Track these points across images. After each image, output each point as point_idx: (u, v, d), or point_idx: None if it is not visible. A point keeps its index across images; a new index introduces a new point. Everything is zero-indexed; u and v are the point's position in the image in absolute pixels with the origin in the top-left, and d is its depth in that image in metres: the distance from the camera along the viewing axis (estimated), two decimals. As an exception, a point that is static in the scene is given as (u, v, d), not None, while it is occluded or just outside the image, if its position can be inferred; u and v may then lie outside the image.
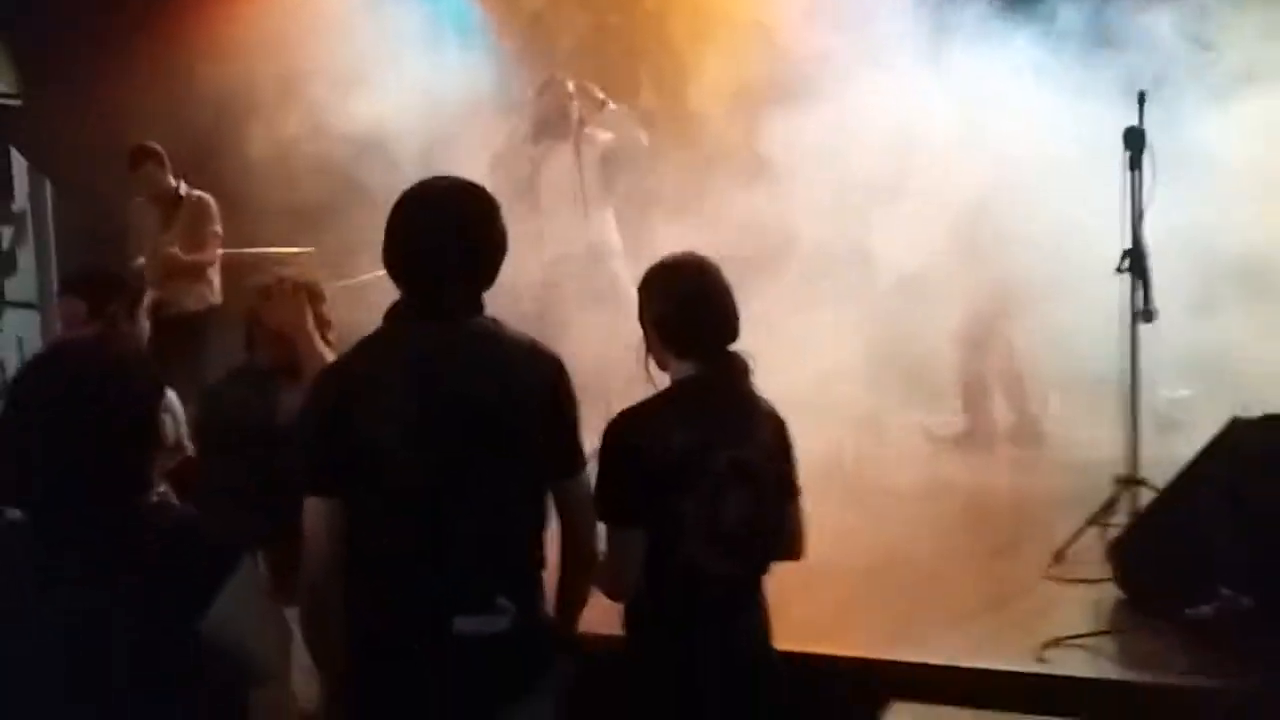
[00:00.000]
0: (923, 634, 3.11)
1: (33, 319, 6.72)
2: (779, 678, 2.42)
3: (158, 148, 5.74)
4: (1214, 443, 2.83)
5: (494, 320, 2.13)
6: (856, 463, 5.59)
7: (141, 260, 5.55)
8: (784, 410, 2.45)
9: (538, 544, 2.13)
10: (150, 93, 6.03)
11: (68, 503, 1.79)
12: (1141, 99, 3.74)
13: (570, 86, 5.15)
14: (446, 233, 2.05)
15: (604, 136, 5.14)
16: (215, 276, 5.72)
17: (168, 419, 2.83)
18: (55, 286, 6.66)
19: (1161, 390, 5.88)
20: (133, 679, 1.77)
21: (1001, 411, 5.61)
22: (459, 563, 1.99)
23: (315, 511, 2.02)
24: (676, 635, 2.31)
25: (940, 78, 5.68)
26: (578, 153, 5.06)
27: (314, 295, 2.88)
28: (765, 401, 2.46)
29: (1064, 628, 3.03)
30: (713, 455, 2.28)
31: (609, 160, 5.12)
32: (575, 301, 4.86)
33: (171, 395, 2.96)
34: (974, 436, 5.49)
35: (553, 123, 5.12)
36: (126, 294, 3.10)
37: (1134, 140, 3.71)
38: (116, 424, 1.81)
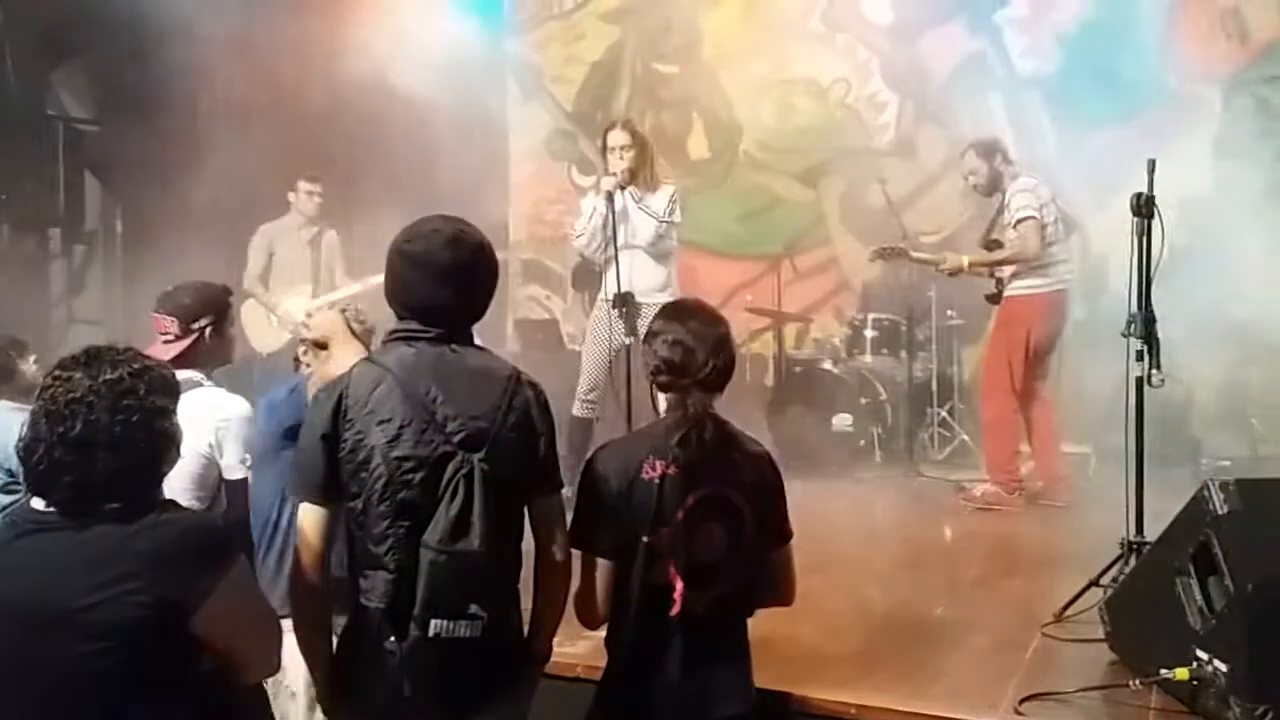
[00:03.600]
0: (905, 680, 3.16)
1: (98, 336, 7.03)
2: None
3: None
4: (1188, 507, 2.85)
5: (482, 349, 2.33)
6: (883, 513, 5.68)
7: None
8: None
9: (513, 557, 2.26)
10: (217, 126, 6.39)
11: (77, 498, 1.92)
12: (1152, 166, 3.78)
13: (622, 138, 5.25)
14: (436, 274, 2.24)
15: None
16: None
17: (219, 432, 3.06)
18: (122, 305, 7.03)
19: (1204, 458, 5.88)
20: (125, 674, 1.88)
21: (1031, 472, 5.62)
22: (436, 572, 2.11)
23: (308, 518, 2.21)
24: (646, 667, 2.38)
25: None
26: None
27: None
28: (754, 442, 2.55)
29: (1050, 684, 3.04)
30: (688, 492, 2.36)
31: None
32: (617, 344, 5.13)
33: (235, 413, 3.14)
34: (1001, 498, 5.50)
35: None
36: (214, 310, 3.25)
37: (1142, 206, 3.74)
38: (123, 428, 1.95)
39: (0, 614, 1.89)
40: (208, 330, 3.22)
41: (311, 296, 6.41)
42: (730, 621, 2.47)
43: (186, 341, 3.18)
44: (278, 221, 6.62)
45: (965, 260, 5.72)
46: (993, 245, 5.63)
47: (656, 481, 2.36)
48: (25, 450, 1.96)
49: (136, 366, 2.04)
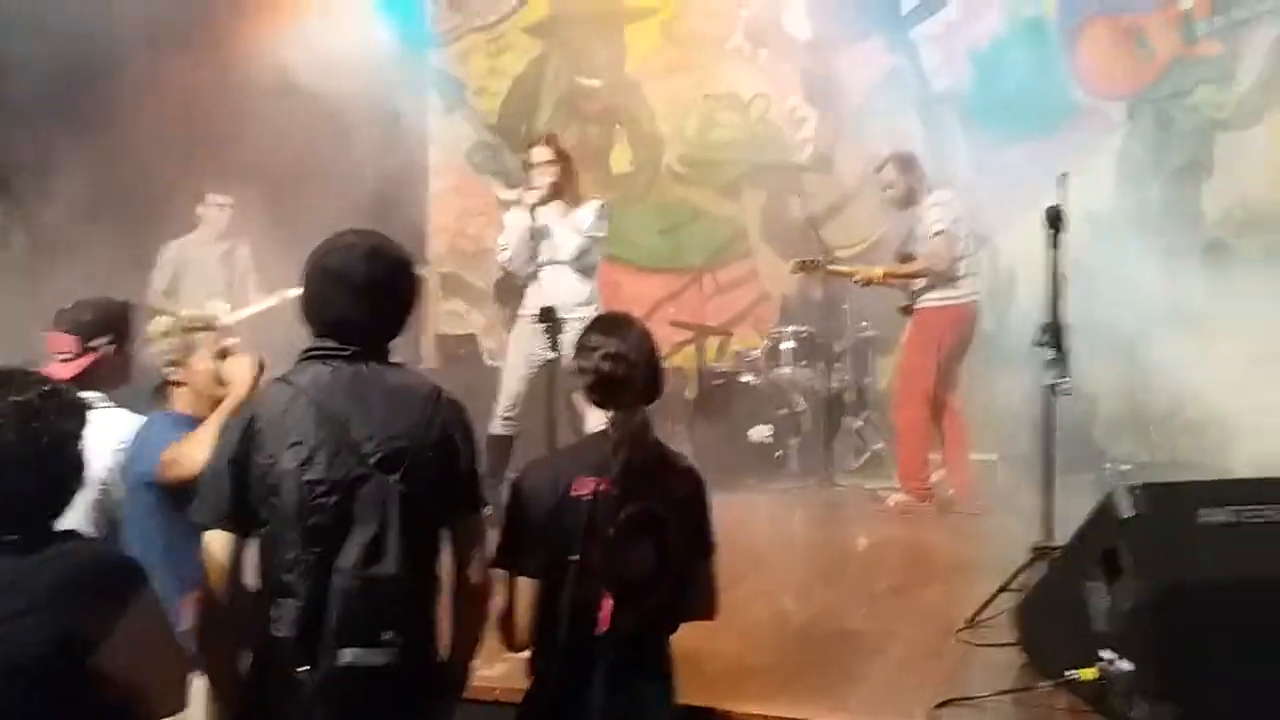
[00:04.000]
0: (825, 691, 3.18)
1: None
2: None
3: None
4: (1096, 511, 2.93)
5: (399, 366, 2.26)
6: (801, 522, 5.74)
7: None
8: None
9: (430, 581, 2.20)
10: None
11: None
12: (1062, 180, 3.88)
13: (546, 153, 5.25)
14: (353, 289, 2.17)
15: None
16: None
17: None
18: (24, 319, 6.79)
19: (1107, 463, 6.07)
20: (26, 712, 1.80)
21: (943, 480, 5.72)
22: (349, 597, 2.06)
23: (215, 545, 2.13)
24: (572, 687, 2.34)
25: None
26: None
27: None
28: (681, 457, 2.54)
29: (965, 689, 3.09)
30: (622, 508, 2.33)
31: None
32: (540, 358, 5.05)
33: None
34: (914, 505, 5.59)
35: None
36: (115, 327, 3.13)
37: (1053, 219, 3.84)
38: (30, 454, 1.88)
39: None
40: (108, 348, 3.10)
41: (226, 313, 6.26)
42: (655, 638, 2.45)
43: (85, 360, 3.06)
44: (187, 236, 6.45)
45: (879, 272, 5.83)
46: (907, 258, 5.73)
47: (588, 499, 2.33)
48: None
49: (46, 389, 1.97)
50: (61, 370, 2.96)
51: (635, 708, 2.38)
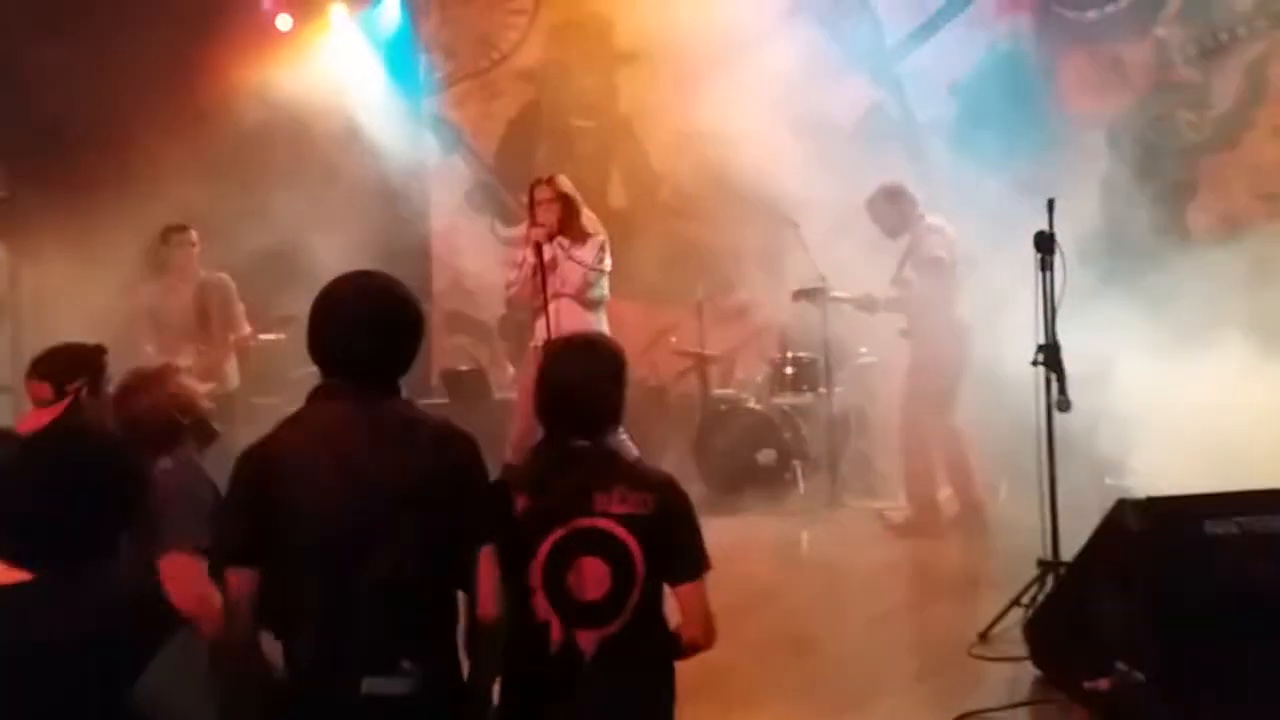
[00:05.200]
0: (843, 710, 3.26)
1: (7, 403, 6.85)
2: None
3: (190, 230, 5.97)
4: (1104, 525, 3.01)
5: (408, 402, 2.30)
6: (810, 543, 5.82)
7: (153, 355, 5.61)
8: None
9: (449, 609, 2.23)
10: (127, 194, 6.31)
11: (33, 565, 1.90)
12: (1051, 205, 4.02)
13: (548, 192, 5.39)
14: (360, 324, 2.22)
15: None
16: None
17: None
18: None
19: (1107, 479, 6.15)
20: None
21: (948, 499, 5.82)
22: (366, 627, 2.10)
23: (235, 581, 2.15)
24: (546, 708, 2.30)
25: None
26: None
27: None
28: (655, 472, 2.48)
29: (980, 703, 3.17)
30: (558, 523, 2.30)
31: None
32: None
33: None
34: (920, 524, 5.69)
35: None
36: (88, 370, 3.19)
37: (1043, 243, 3.97)
38: (82, 497, 1.94)
39: None
40: (82, 391, 3.15)
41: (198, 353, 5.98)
42: (638, 665, 2.35)
43: (62, 404, 3.11)
44: (155, 282, 6.19)
45: (879, 298, 5.96)
46: (903, 284, 5.87)
47: (523, 512, 2.32)
48: None
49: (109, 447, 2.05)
50: (40, 417, 3.02)
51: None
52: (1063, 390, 3.97)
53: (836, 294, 6.35)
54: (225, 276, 6.10)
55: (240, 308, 6.09)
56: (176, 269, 6.04)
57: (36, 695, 1.83)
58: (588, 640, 2.29)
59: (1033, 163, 6.63)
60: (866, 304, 6.00)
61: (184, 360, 5.65)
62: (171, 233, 6.01)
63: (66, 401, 3.12)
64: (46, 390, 3.14)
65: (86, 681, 1.85)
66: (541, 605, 2.30)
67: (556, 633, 2.29)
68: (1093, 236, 6.30)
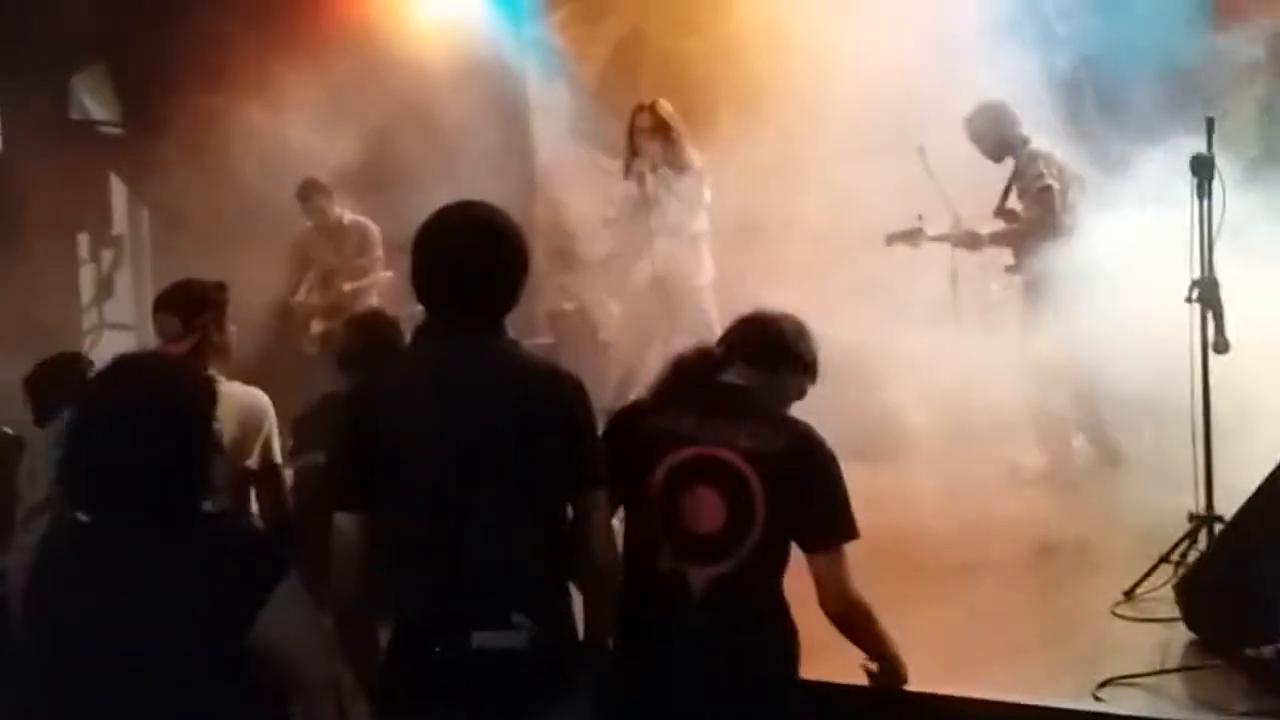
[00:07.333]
0: (979, 668, 3.07)
1: (130, 340, 7.03)
2: (784, 706, 2.30)
3: (324, 182, 6.27)
4: (1273, 477, 2.75)
5: (514, 342, 2.21)
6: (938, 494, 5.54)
7: (300, 295, 6.19)
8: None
9: (559, 560, 2.15)
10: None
11: (124, 510, 1.87)
12: (1210, 125, 3.65)
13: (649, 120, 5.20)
14: (466, 259, 2.12)
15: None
16: (374, 300, 6.12)
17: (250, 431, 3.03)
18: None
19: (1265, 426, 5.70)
20: (180, 687, 1.83)
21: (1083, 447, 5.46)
22: (476, 578, 2.04)
23: (345, 525, 2.10)
24: (651, 646, 2.27)
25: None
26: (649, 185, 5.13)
27: None
28: (800, 421, 2.39)
29: (1128, 667, 2.96)
30: (678, 446, 2.26)
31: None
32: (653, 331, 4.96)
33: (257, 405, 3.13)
34: (1053, 474, 5.35)
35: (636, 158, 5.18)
36: (214, 306, 3.24)
37: (1201, 167, 3.61)
38: (167, 436, 1.89)
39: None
40: (209, 327, 3.19)
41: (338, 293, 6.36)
42: (751, 617, 2.28)
43: (191, 340, 3.16)
44: (305, 229, 6.53)
45: (984, 234, 5.54)
46: (1008, 215, 5.46)
47: (646, 431, 2.31)
48: (66, 463, 1.93)
49: (175, 374, 2.01)
50: (173, 351, 3.07)
51: (715, 664, 2.24)
52: (1220, 330, 3.65)
53: (934, 233, 5.92)
54: (367, 221, 6.33)
55: (380, 251, 6.29)
56: (316, 219, 6.38)
57: (150, 640, 1.81)
58: (699, 577, 2.21)
59: (1182, 80, 6.11)
60: (968, 241, 5.55)
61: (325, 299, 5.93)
62: (307, 189, 6.31)
63: (195, 338, 3.16)
64: (175, 325, 3.18)
65: (201, 625, 1.83)
66: (654, 531, 2.23)
67: (665, 561, 2.22)
68: (1250, 163, 5.79)
